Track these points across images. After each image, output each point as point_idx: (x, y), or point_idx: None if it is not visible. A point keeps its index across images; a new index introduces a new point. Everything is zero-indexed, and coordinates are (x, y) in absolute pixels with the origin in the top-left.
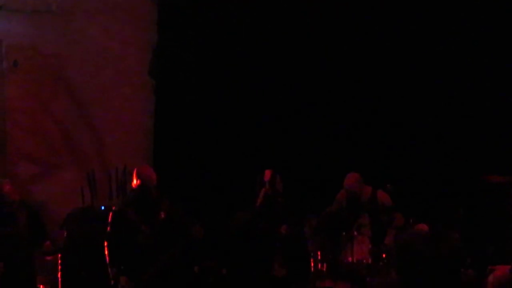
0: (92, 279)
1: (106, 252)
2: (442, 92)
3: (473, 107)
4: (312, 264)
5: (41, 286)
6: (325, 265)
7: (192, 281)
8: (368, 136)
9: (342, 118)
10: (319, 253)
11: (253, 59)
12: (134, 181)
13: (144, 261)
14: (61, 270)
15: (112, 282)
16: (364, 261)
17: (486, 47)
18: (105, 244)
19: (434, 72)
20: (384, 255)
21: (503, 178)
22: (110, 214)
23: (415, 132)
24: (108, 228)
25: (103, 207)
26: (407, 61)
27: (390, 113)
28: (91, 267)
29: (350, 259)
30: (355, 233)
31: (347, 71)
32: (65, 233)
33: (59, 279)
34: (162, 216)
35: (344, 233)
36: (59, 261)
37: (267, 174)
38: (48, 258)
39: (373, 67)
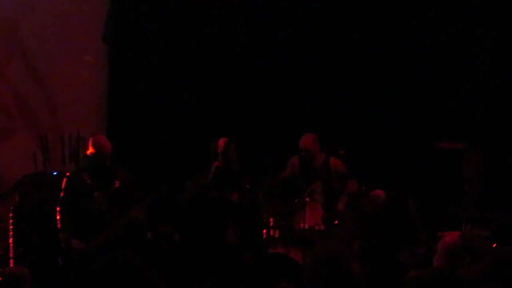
0: (44, 244)
1: (58, 217)
2: (398, 54)
3: (428, 70)
4: (265, 231)
5: None
6: (277, 231)
7: (145, 247)
8: (322, 100)
9: (296, 82)
10: (271, 219)
11: (205, 22)
12: (89, 150)
13: (95, 227)
14: (13, 236)
15: (63, 246)
16: (317, 227)
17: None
18: (58, 209)
19: (390, 33)
20: (336, 222)
21: (457, 144)
22: (64, 179)
23: (369, 97)
24: (62, 193)
25: (55, 173)
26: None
27: (344, 76)
28: (43, 232)
29: (302, 225)
30: (308, 199)
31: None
32: (17, 198)
33: (11, 245)
34: (117, 184)
35: (296, 200)
36: (11, 227)
37: (221, 144)
38: None
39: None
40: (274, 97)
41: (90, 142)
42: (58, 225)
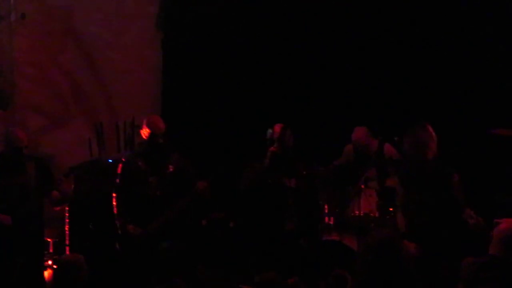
0: (99, 231)
1: (114, 203)
2: (446, 44)
3: (483, 55)
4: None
5: (49, 239)
6: (332, 218)
7: (200, 234)
8: (376, 88)
9: (351, 70)
10: (326, 206)
11: (258, 7)
12: (143, 130)
13: (150, 212)
14: (69, 223)
15: (119, 232)
16: (371, 214)
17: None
18: (114, 195)
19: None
20: (391, 209)
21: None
22: (120, 165)
23: (422, 85)
24: (118, 180)
25: (110, 160)
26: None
27: (398, 67)
28: (98, 219)
29: (357, 212)
30: (363, 186)
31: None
32: (73, 184)
33: (67, 232)
34: (171, 169)
35: (351, 187)
36: (67, 214)
37: (277, 130)
38: (56, 209)
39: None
40: (331, 84)
41: (144, 123)
42: (115, 211)
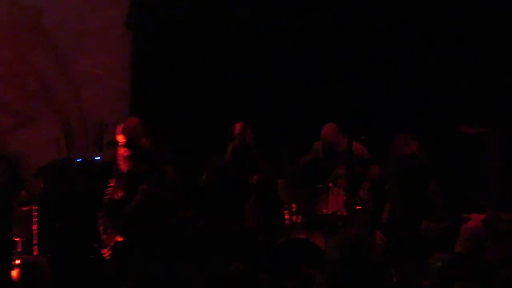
0: (67, 230)
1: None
2: (415, 42)
3: (451, 53)
4: (287, 216)
5: (17, 239)
6: (300, 216)
7: (169, 232)
8: (344, 85)
9: (319, 67)
10: (294, 205)
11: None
12: (119, 138)
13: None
14: (37, 222)
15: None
16: (339, 213)
17: None
18: (106, 198)
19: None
20: (358, 207)
21: (478, 129)
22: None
23: (391, 83)
24: (108, 191)
25: (79, 159)
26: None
27: (366, 64)
28: (66, 218)
29: (325, 210)
30: (331, 184)
31: (324, 20)
32: (42, 184)
33: (35, 231)
34: (142, 168)
35: (319, 185)
36: (35, 213)
37: (237, 127)
38: (24, 208)
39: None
40: (299, 82)
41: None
42: (103, 213)
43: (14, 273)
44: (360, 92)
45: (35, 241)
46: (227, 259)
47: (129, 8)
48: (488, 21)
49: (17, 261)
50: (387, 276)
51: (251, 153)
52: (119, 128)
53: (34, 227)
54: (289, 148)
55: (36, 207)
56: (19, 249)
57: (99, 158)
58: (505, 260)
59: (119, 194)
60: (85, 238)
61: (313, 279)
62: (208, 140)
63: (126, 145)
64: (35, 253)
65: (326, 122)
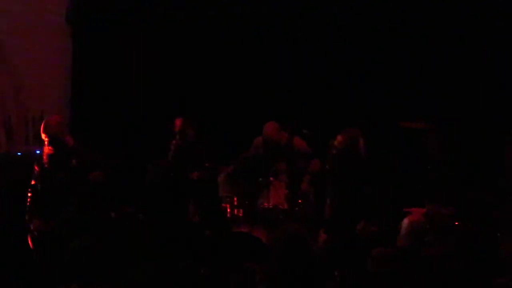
0: (7, 223)
1: (29, 200)
2: (361, 36)
3: (394, 50)
4: (229, 210)
5: None
6: (241, 210)
7: (109, 227)
8: (284, 79)
9: (258, 62)
10: (235, 198)
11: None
12: (42, 136)
13: (56, 207)
14: None
15: (29, 226)
16: (280, 206)
17: None
18: (29, 193)
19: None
20: (300, 201)
21: (420, 123)
22: (35, 165)
23: (335, 77)
24: (33, 181)
25: (19, 153)
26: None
27: (310, 57)
28: (5, 212)
29: (266, 204)
30: (272, 178)
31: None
32: None
33: None
34: (74, 163)
35: (260, 179)
36: None
37: (177, 124)
38: None
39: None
40: (238, 78)
41: (42, 128)
42: (28, 207)
43: None
44: (303, 85)
45: None
46: (170, 255)
47: (69, 1)
48: (436, 19)
49: None
50: (328, 271)
51: (191, 149)
52: (42, 125)
53: None
54: (229, 143)
55: None
56: None
57: (39, 151)
58: (445, 254)
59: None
60: (23, 232)
61: (255, 273)
62: (149, 134)
63: (50, 143)
64: None
65: (269, 116)
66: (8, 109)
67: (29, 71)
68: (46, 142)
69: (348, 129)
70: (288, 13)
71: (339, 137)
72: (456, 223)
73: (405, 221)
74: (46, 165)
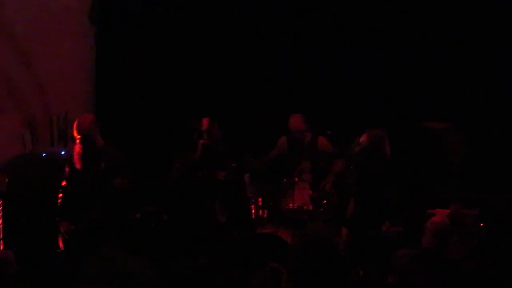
0: (33, 225)
1: (59, 200)
2: (381, 33)
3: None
4: (254, 211)
5: None
6: (266, 211)
7: (133, 227)
8: (308, 79)
9: (283, 61)
10: (260, 199)
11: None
12: (74, 134)
13: (84, 208)
14: (2, 216)
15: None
16: (305, 207)
17: None
18: (60, 195)
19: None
20: (324, 202)
21: (442, 124)
22: (66, 167)
23: (355, 76)
24: (63, 182)
25: (44, 154)
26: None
27: (332, 59)
28: (32, 213)
29: (291, 205)
30: (296, 179)
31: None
32: (7, 179)
33: (0, 226)
34: (103, 165)
35: (285, 179)
36: (0, 207)
37: (204, 123)
38: None
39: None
40: (261, 77)
41: (74, 126)
42: (58, 208)
43: None
44: (327, 87)
45: (0, 236)
46: (194, 255)
47: (93, 1)
48: (455, 20)
49: None
50: (352, 272)
51: (218, 148)
52: (74, 124)
53: (0, 221)
54: (254, 144)
55: (2, 202)
56: None
57: (64, 152)
58: (469, 256)
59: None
60: (50, 232)
61: (279, 273)
62: (173, 135)
63: (81, 141)
64: (1, 247)
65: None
66: (33, 109)
67: (53, 71)
68: (77, 141)
69: (373, 129)
70: (311, 10)
71: (364, 136)
72: (481, 224)
73: (430, 222)
74: (76, 165)
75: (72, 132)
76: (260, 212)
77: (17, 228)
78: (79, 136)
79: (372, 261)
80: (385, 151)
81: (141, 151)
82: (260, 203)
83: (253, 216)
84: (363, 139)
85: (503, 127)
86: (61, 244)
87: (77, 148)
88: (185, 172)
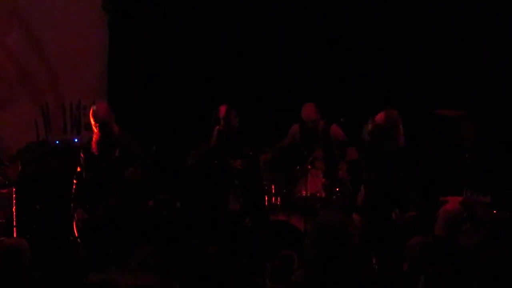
0: (46, 212)
1: (74, 188)
2: (395, 21)
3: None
4: (266, 198)
5: None
6: (279, 198)
7: (146, 215)
8: (321, 67)
9: (294, 52)
10: (273, 186)
11: None
12: (90, 119)
13: (98, 196)
14: (16, 204)
15: (72, 214)
16: (318, 194)
17: None
18: (75, 182)
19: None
20: (337, 189)
21: (456, 111)
22: (81, 153)
23: (369, 64)
24: (79, 168)
25: (57, 141)
26: None
27: (344, 47)
28: (45, 200)
29: (304, 192)
30: (309, 166)
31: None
32: (20, 167)
33: (14, 213)
34: (117, 153)
35: (298, 167)
36: (14, 195)
37: (222, 110)
38: (3, 191)
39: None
40: (274, 65)
41: (91, 113)
42: (72, 195)
43: None
44: (339, 75)
45: (14, 223)
46: (209, 243)
47: None
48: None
49: None
50: (366, 259)
51: (234, 136)
52: (91, 111)
53: (13, 209)
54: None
55: (15, 189)
56: None
57: (77, 140)
58: (482, 244)
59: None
60: (63, 219)
61: (293, 261)
62: (188, 123)
63: (100, 129)
64: (15, 235)
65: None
66: (45, 97)
67: (66, 59)
68: (95, 129)
69: (391, 109)
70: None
71: (380, 114)
72: (493, 212)
73: (443, 209)
74: (94, 152)
75: (86, 119)
76: (273, 199)
77: (30, 215)
78: (97, 124)
79: (384, 248)
80: (399, 133)
81: (156, 139)
82: (273, 191)
83: (266, 203)
84: (379, 117)
85: None
86: (76, 231)
87: (95, 136)
88: (201, 159)
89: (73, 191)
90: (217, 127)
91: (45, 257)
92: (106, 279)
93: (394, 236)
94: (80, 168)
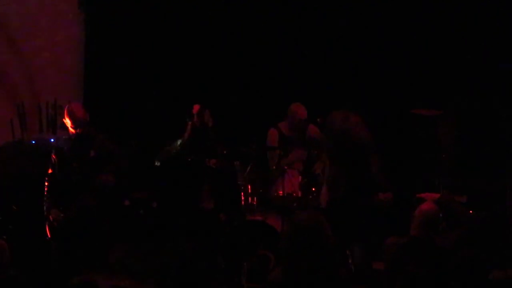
0: (23, 212)
1: (46, 188)
2: (373, 21)
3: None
4: (243, 198)
5: None
6: (255, 198)
7: (123, 214)
8: (298, 67)
9: (272, 49)
10: (249, 186)
11: None
12: (65, 119)
13: (73, 196)
14: None
15: (45, 215)
16: (294, 194)
17: None
18: (46, 183)
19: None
20: (313, 189)
21: (432, 111)
22: (52, 153)
23: (346, 63)
24: (50, 169)
25: (33, 141)
26: None
27: (322, 46)
28: (22, 200)
29: (280, 192)
30: (286, 166)
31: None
32: None
33: None
34: (92, 153)
35: (274, 167)
36: None
37: (195, 107)
38: None
39: None
40: (253, 68)
41: (65, 112)
42: (45, 195)
43: None
44: (317, 74)
45: None
46: (183, 241)
47: None
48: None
49: None
50: (341, 258)
51: (208, 135)
52: (66, 111)
53: None
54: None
55: None
56: None
57: (53, 139)
58: (458, 243)
59: None
60: (41, 219)
61: (269, 260)
62: (162, 122)
63: (74, 128)
64: None
65: (285, 106)
66: (21, 96)
67: (42, 58)
68: (69, 128)
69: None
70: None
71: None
72: (470, 211)
73: (419, 210)
74: (67, 152)
75: (62, 119)
76: (250, 199)
77: (7, 216)
78: (73, 124)
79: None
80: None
81: (132, 138)
82: (249, 191)
83: (243, 203)
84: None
85: (493, 115)
86: (48, 233)
87: (70, 135)
88: (173, 157)
89: (45, 192)
90: (190, 122)
91: (23, 257)
92: (87, 281)
93: (367, 230)
94: (51, 169)
